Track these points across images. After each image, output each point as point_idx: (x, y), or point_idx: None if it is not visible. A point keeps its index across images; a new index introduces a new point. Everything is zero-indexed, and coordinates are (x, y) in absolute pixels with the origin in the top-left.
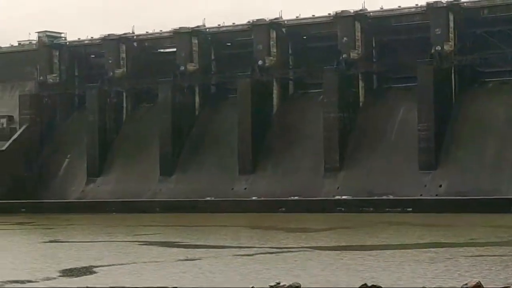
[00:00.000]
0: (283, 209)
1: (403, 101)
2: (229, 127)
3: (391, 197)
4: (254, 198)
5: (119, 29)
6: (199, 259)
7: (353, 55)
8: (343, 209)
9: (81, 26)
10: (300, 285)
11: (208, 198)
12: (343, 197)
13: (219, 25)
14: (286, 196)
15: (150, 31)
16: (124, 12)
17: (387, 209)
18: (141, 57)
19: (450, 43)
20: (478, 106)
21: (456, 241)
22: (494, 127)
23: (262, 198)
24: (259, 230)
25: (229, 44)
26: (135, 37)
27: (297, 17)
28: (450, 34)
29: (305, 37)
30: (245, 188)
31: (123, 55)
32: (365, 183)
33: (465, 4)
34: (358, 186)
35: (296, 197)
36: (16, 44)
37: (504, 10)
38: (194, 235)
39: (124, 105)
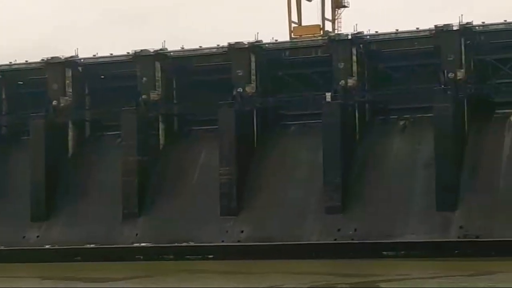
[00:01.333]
0: (79, 258)
1: (205, 144)
2: (22, 170)
3: (192, 243)
4: (47, 246)
5: None
6: None
7: (153, 96)
8: (142, 257)
9: None
10: None
11: None
12: (142, 244)
13: (10, 62)
14: (83, 244)
15: None
16: None
17: (188, 256)
18: None
19: (252, 84)
20: (280, 149)
21: None
22: (296, 171)
23: (56, 247)
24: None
25: (22, 82)
26: None
27: (94, 55)
28: (252, 76)
29: (103, 77)
30: (38, 236)
31: None
32: (165, 229)
33: (266, 45)
34: (159, 232)
35: (92, 245)
36: None
37: (305, 53)
38: None
39: None
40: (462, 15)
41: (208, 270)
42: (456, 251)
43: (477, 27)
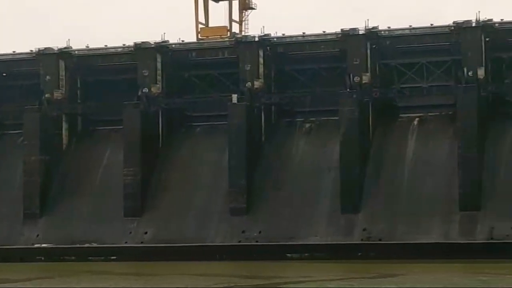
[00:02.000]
0: None
1: (110, 144)
2: None
3: (94, 244)
4: None
5: None
6: None
7: (57, 95)
8: (43, 258)
9: None
10: None
11: None
12: (43, 245)
13: None
14: None
15: None
16: None
17: (90, 257)
18: None
19: (158, 85)
20: (186, 151)
21: None
22: (202, 173)
23: None
24: None
25: None
26: None
27: None
28: (158, 76)
29: (5, 74)
30: None
31: None
32: (67, 230)
33: (173, 46)
34: (60, 233)
35: None
36: None
37: (212, 54)
38: None
39: None
40: (368, 19)
41: (110, 271)
42: (359, 253)
43: (382, 32)
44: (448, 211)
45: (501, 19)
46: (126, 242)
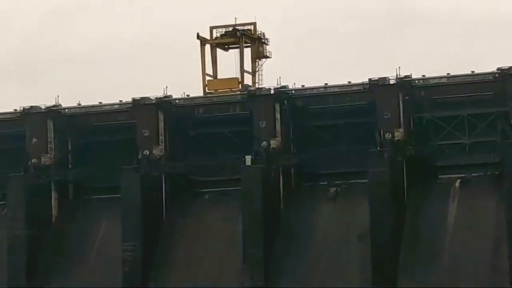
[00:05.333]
0: None
1: (106, 216)
2: None
3: None
4: None
5: None
6: None
7: (45, 160)
8: None
9: None
10: None
11: None
12: None
13: None
14: None
15: None
16: None
17: None
18: None
19: (160, 146)
20: (193, 221)
21: None
22: (212, 246)
23: None
24: None
25: None
26: None
27: None
28: (160, 136)
29: None
30: None
31: None
32: None
33: (177, 101)
34: None
35: None
36: None
37: (221, 110)
38: None
39: None
40: (399, 67)
41: None
42: None
43: (416, 81)
44: (496, 284)
45: None
46: None
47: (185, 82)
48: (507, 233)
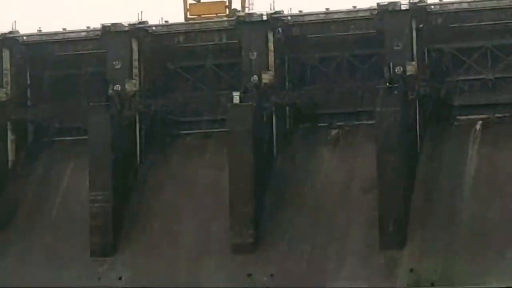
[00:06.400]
0: None
1: (71, 161)
2: None
3: None
4: None
5: None
6: None
7: (0, 94)
8: None
9: None
10: None
11: None
12: None
13: None
14: None
15: None
16: None
17: None
18: None
19: (134, 81)
20: (172, 168)
21: None
22: (194, 198)
23: None
24: None
25: None
26: None
27: None
28: (133, 69)
29: None
30: None
31: None
32: (17, 275)
33: (154, 28)
34: (6, 280)
35: None
36: None
37: (205, 39)
38: None
39: None
40: None
41: None
42: None
43: (432, 6)
44: None
45: None
46: None
47: (163, 6)
48: None
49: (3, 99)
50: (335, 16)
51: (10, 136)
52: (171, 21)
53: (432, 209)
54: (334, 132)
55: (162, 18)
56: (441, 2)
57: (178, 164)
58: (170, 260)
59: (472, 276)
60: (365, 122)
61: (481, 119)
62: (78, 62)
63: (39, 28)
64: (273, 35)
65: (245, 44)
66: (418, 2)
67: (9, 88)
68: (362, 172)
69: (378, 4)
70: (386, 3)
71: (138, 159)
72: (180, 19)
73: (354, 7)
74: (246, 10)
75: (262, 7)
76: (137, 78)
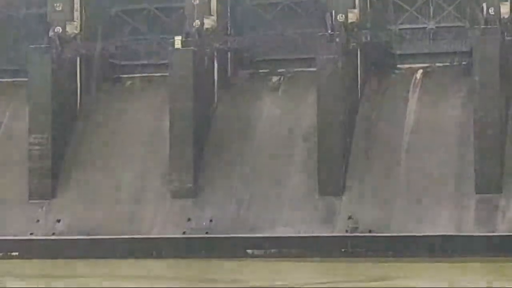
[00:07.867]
0: None
1: (10, 103)
2: None
3: None
4: None
5: None
6: None
7: None
8: None
9: None
10: None
11: None
12: None
13: None
14: None
15: None
16: None
17: None
18: None
19: (75, 23)
20: (113, 112)
21: None
22: (134, 142)
23: None
24: None
25: None
26: None
27: None
28: (74, 12)
29: None
30: None
31: None
32: None
33: None
34: None
35: None
36: None
37: None
38: None
39: None
40: None
41: (9, 272)
42: (342, 250)
43: None
44: (460, 193)
45: None
46: (31, 234)
47: None
48: (474, 134)
49: None
50: None
51: None
52: None
53: (371, 158)
54: (275, 78)
55: None
56: None
57: (118, 108)
58: (108, 204)
59: (408, 224)
60: (306, 69)
61: (422, 67)
62: (17, 4)
63: None
64: None
65: None
66: None
67: None
68: (303, 119)
69: None
70: None
71: (78, 102)
72: None
73: None
74: None
75: None
76: (78, 20)
